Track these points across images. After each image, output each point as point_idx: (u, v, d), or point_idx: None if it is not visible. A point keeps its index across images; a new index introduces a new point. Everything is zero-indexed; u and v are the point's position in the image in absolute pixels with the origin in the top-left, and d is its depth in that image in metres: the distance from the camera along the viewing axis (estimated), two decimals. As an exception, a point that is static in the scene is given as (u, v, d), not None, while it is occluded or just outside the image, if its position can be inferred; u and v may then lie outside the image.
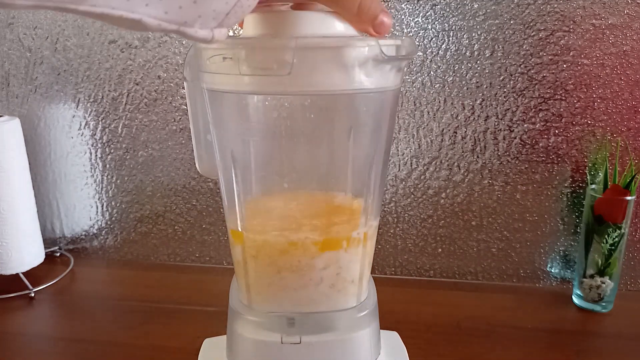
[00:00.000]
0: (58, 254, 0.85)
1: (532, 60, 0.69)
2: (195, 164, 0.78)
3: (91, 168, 0.82)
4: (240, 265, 0.39)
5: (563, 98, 0.69)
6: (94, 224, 0.85)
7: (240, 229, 0.38)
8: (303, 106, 0.33)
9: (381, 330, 0.45)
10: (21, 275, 0.74)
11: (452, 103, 0.71)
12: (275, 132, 0.34)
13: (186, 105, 0.77)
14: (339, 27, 0.34)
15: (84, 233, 0.86)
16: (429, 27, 0.70)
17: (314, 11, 0.34)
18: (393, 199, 0.76)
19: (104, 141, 0.81)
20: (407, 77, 0.71)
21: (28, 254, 0.75)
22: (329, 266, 0.38)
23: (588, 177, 0.70)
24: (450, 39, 0.70)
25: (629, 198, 0.65)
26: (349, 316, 0.40)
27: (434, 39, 0.70)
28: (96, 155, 0.81)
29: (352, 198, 0.36)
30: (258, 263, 0.39)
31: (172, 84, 0.77)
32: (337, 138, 0.34)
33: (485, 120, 0.71)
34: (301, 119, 0.33)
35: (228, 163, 0.36)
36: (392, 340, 0.48)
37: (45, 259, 0.78)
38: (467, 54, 0.70)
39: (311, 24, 0.33)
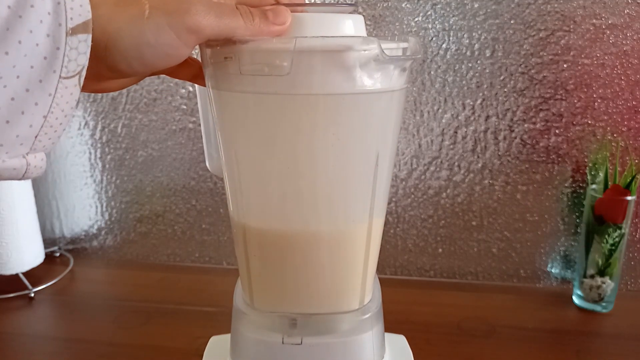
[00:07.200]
0: (58, 254, 0.85)
1: (533, 60, 0.69)
2: (195, 163, 0.79)
3: (91, 168, 0.82)
4: (243, 263, 0.39)
5: (563, 98, 0.69)
6: (93, 224, 0.85)
7: (243, 226, 0.38)
8: (304, 106, 0.33)
9: (388, 333, 0.45)
10: (21, 276, 0.74)
11: (452, 103, 0.71)
12: (278, 132, 0.34)
13: (186, 105, 0.77)
14: (342, 28, 0.34)
15: (83, 233, 0.85)
16: (429, 26, 0.70)
17: (314, 13, 0.34)
18: (393, 199, 0.76)
19: (104, 141, 0.81)
20: (408, 77, 0.71)
21: (28, 254, 0.75)
22: (330, 265, 0.38)
23: (588, 177, 0.70)
24: (451, 38, 0.69)
25: (629, 198, 0.65)
26: (351, 319, 0.39)
27: (434, 38, 0.70)
28: (96, 155, 0.81)
29: (357, 197, 0.36)
30: (260, 260, 0.38)
31: (171, 84, 0.77)
32: (341, 138, 0.33)
33: (486, 120, 0.71)
34: (304, 119, 0.33)
35: (232, 161, 0.36)
36: (399, 344, 0.48)
37: (44, 259, 0.78)
38: (468, 53, 0.70)
39: (314, 25, 0.33)
